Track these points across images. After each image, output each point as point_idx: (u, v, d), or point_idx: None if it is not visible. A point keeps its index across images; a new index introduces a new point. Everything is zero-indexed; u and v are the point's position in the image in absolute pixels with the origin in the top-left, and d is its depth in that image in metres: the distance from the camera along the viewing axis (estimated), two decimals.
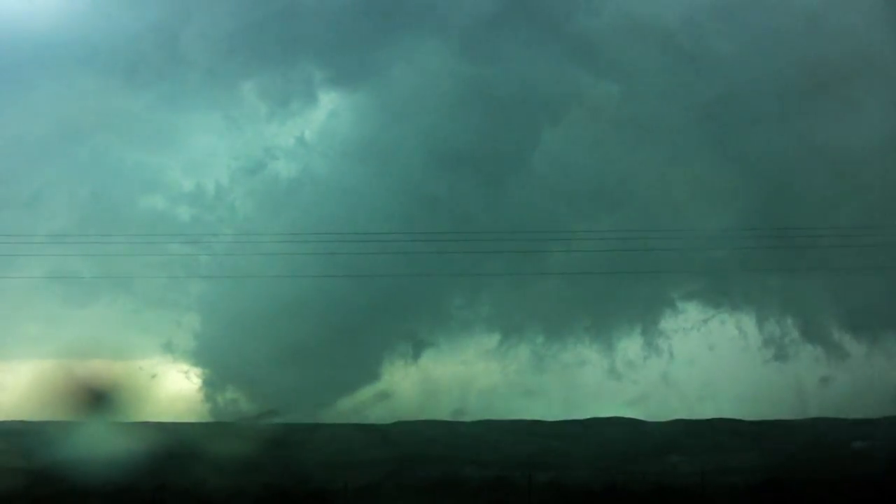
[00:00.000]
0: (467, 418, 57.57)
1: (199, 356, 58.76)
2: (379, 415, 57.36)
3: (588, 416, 58.39)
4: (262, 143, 78.70)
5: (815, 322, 57.26)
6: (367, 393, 57.68)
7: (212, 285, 57.98)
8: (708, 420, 55.63)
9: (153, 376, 52.18)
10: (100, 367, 39.75)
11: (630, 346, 59.78)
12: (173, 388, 56.69)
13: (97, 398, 37.37)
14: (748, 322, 59.05)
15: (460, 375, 61.21)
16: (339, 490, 33.87)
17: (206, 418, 55.68)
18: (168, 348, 59.69)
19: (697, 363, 57.40)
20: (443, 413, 59.48)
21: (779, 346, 57.34)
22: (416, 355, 59.83)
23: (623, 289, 57.50)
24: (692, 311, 60.27)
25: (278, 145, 76.74)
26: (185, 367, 58.69)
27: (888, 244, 43.63)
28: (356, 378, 58.02)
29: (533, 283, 57.40)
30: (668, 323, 60.13)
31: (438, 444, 52.13)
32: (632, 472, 40.10)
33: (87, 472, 32.53)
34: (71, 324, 59.74)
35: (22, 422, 49.16)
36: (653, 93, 68.78)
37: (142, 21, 75.27)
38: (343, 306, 56.13)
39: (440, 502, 33.59)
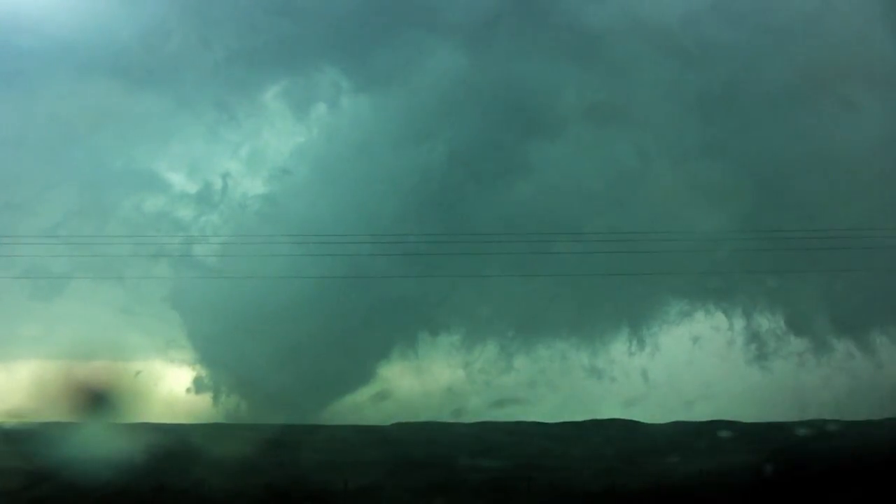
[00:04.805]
0: (467, 419, 57.62)
1: (199, 357, 58.71)
2: (378, 415, 57.39)
3: (587, 418, 58.44)
4: (264, 144, 78.50)
5: (813, 324, 57.36)
6: (366, 393, 57.73)
7: (211, 286, 57.88)
8: (707, 421, 55.69)
9: (148, 376, 52.00)
10: (97, 368, 39.75)
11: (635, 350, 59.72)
12: (172, 389, 56.58)
13: (95, 399, 37.36)
14: (742, 323, 59.05)
15: (459, 376, 61.15)
16: (339, 491, 33.84)
17: (206, 419, 55.66)
18: (167, 349, 59.59)
19: (694, 366, 57.54)
20: (442, 414, 59.56)
21: (775, 348, 57.46)
22: (415, 356, 59.84)
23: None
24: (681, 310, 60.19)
25: (279, 146, 76.61)
26: (184, 368, 58.63)
27: (885, 246, 43.69)
28: (356, 378, 58.01)
29: (536, 284, 57.29)
30: (663, 323, 60.12)
31: (438, 445, 52.10)
32: (631, 473, 40.07)
33: (85, 473, 32.52)
34: (68, 324, 59.59)
35: (21, 422, 49.15)
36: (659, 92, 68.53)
37: (146, 22, 75.06)
38: (342, 307, 56.13)
39: None
